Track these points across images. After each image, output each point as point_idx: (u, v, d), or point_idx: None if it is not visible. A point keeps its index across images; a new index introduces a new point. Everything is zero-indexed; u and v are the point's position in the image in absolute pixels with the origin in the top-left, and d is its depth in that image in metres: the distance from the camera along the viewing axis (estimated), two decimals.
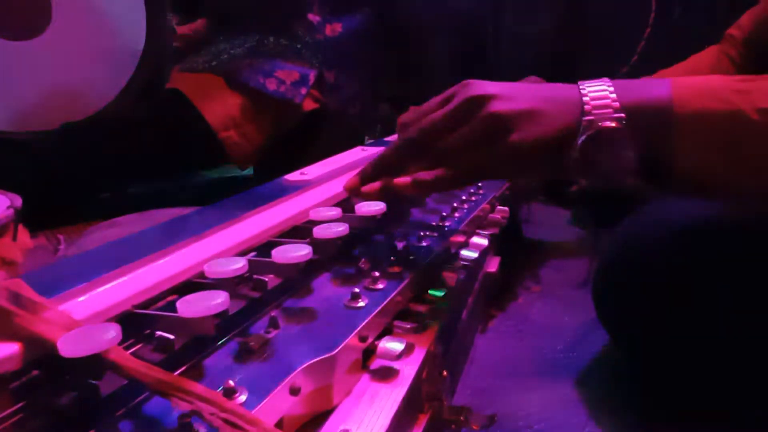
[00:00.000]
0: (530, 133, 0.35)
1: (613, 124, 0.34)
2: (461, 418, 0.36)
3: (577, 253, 0.82)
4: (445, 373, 0.37)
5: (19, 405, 0.20)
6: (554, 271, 0.75)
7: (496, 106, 0.36)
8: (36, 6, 0.84)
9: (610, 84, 0.35)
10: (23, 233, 0.39)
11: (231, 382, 0.24)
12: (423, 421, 0.33)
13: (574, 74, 0.40)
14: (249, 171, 1.09)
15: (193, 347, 0.26)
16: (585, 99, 0.35)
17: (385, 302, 0.33)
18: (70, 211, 0.81)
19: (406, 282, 0.36)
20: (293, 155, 1.02)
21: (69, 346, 0.20)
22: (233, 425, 0.21)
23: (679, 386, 0.47)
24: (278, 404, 0.25)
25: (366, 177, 0.41)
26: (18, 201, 0.39)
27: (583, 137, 0.34)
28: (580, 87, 0.36)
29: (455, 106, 0.38)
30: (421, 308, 0.37)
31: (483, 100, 0.37)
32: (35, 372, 0.21)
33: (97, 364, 0.21)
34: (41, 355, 0.21)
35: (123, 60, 0.89)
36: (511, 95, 0.37)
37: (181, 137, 0.92)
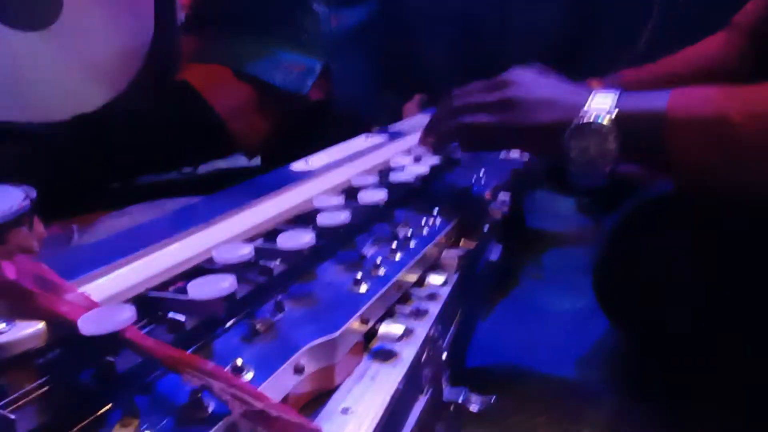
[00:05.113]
0: (533, 116, 0.43)
1: (601, 122, 0.39)
2: (460, 399, 0.38)
3: (581, 240, 0.82)
4: (444, 355, 0.38)
5: (43, 379, 0.22)
6: (557, 258, 0.76)
7: (515, 92, 0.44)
8: None
9: (618, 93, 0.41)
10: (37, 223, 0.41)
11: (239, 361, 0.25)
12: (423, 401, 0.35)
13: (578, 62, 0.45)
14: (256, 161, 1.11)
15: (202, 328, 0.28)
16: (588, 100, 0.41)
17: (386, 287, 0.34)
18: (82, 201, 0.83)
19: (406, 267, 0.37)
20: (300, 144, 1.03)
21: (88, 325, 0.22)
22: (241, 400, 0.23)
23: (676, 368, 0.48)
24: (283, 382, 0.27)
25: (422, 133, 0.55)
26: (33, 192, 0.41)
27: (572, 125, 0.40)
28: (592, 92, 0.42)
29: (491, 83, 0.47)
30: (422, 293, 0.39)
31: (510, 83, 0.45)
32: (57, 349, 0.23)
33: (114, 342, 0.22)
34: (63, 333, 0.22)
35: (132, 52, 0.90)
36: (532, 86, 0.45)
37: (190, 128, 0.93)
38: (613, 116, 0.39)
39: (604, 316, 0.53)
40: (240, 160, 1.12)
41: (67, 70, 0.87)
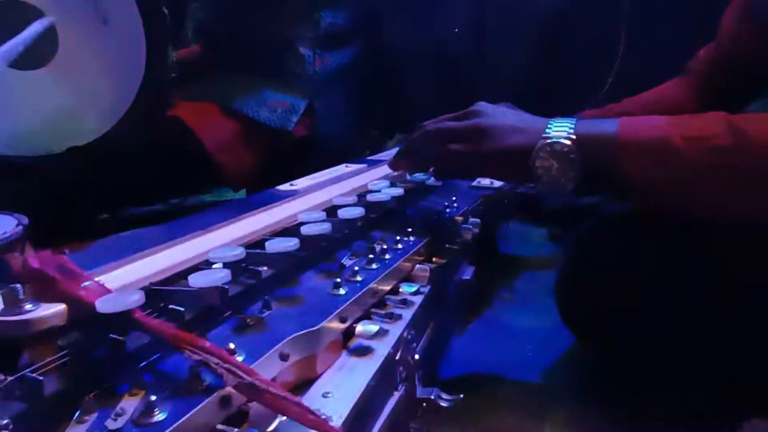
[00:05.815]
0: (500, 141, 0.47)
1: (563, 141, 0.44)
2: (431, 396, 0.41)
3: (551, 266, 0.87)
4: (417, 357, 0.42)
5: (64, 352, 0.25)
6: (528, 283, 0.80)
7: (483, 120, 0.49)
8: (43, 38, 0.90)
9: (574, 120, 0.45)
10: (29, 249, 0.44)
11: (231, 345, 0.29)
12: (396, 396, 0.38)
13: (549, 101, 0.51)
14: (242, 194, 1.15)
15: (199, 319, 0.31)
16: (549, 126, 0.45)
17: (363, 290, 0.38)
18: (72, 231, 0.86)
19: (382, 275, 0.41)
20: (284, 179, 1.07)
21: (104, 305, 0.25)
22: (234, 374, 0.26)
23: (634, 372, 0.52)
24: (270, 366, 0.30)
25: (394, 158, 0.58)
26: (24, 219, 0.45)
27: (537, 147, 0.44)
28: (551, 120, 0.46)
29: (458, 114, 0.52)
30: (396, 299, 0.43)
31: (477, 113, 0.50)
32: (76, 326, 0.26)
33: (125, 321, 0.26)
34: (81, 313, 0.26)
35: (124, 89, 0.95)
36: (497, 115, 0.50)
37: (179, 161, 0.97)
38: (572, 136, 0.44)
39: (570, 332, 0.57)
40: (227, 193, 1.16)
41: (62, 105, 0.91)
